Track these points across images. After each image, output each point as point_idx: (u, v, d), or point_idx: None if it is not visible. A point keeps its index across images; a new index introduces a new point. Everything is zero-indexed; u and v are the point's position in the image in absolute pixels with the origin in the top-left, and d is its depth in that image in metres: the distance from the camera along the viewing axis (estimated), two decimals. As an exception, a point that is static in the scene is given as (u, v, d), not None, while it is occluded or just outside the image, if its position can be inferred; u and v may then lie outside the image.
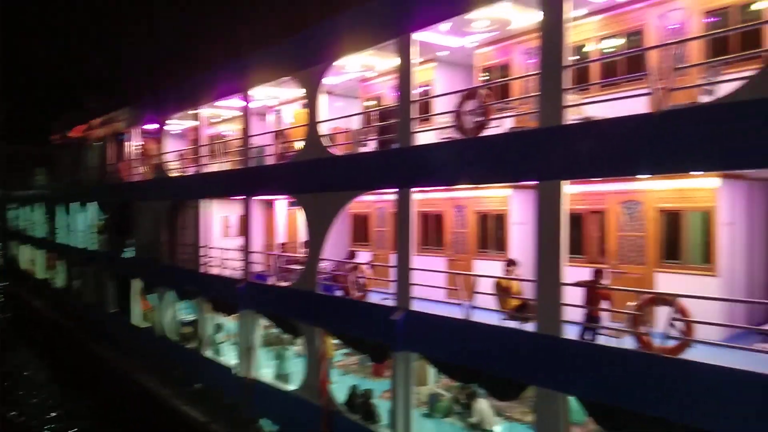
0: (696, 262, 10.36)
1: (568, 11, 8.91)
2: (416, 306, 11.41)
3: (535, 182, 9.18)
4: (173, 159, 21.95)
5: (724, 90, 7.58)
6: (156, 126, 22.73)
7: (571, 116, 9.02)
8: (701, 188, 10.24)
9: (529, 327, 9.39)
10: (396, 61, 11.91)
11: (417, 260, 11.81)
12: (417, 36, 11.56)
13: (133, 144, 24.60)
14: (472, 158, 10.43)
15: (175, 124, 23.99)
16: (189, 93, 20.43)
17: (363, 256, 16.52)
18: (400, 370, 11.52)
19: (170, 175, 21.51)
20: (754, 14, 10.03)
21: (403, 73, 11.63)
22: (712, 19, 10.50)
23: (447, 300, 11.82)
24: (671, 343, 7.97)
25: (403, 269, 11.51)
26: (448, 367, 11.18)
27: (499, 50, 13.83)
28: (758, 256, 10.72)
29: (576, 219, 11.44)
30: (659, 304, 8.31)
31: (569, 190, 8.94)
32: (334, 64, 13.86)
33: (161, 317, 21.28)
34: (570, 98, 9.01)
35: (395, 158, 11.90)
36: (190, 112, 20.75)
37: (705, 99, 8.51)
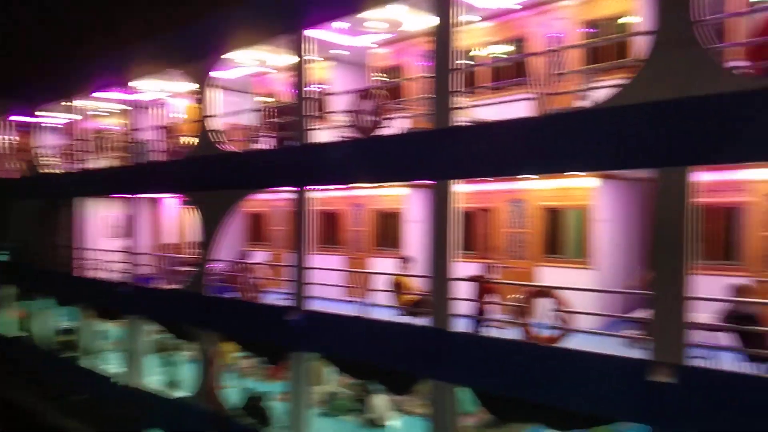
0: (575, 257, 11.07)
1: (458, 16, 9.19)
2: (314, 305, 11.32)
3: (428, 181, 9.40)
4: (50, 154, 20.27)
5: (601, 95, 8.13)
6: (28, 119, 20.94)
7: (462, 118, 9.31)
8: (581, 187, 10.95)
9: (424, 321, 9.62)
10: (290, 58, 11.76)
11: (316, 259, 11.71)
12: (312, 33, 11.48)
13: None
14: (367, 157, 10.49)
15: (54, 117, 22.19)
16: (63, 84, 18.96)
17: (260, 256, 16.15)
18: (298, 371, 11.37)
19: (47, 171, 19.87)
20: (622, 27, 10.84)
21: (297, 70, 11.52)
22: (590, 30, 11.24)
23: (345, 298, 11.83)
24: (552, 333, 8.47)
25: (300, 269, 11.37)
26: (346, 364, 11.20)
27: (395, 51, 14.02)
28: (632, 250, 11.64)
29: (468, 217, 11.84)
30: (541, 296, 8.80)
31: (462, 189, 9.24)
32: (224, 57, 13.45)
33: (37, 325, 19.62)
34: (460, 101, 9.30)
35: (291, 156, 11.73)
36: (66, 104, 19.26)
37: (583, 104, 9.09)
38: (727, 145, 6.71)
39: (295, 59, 11.55)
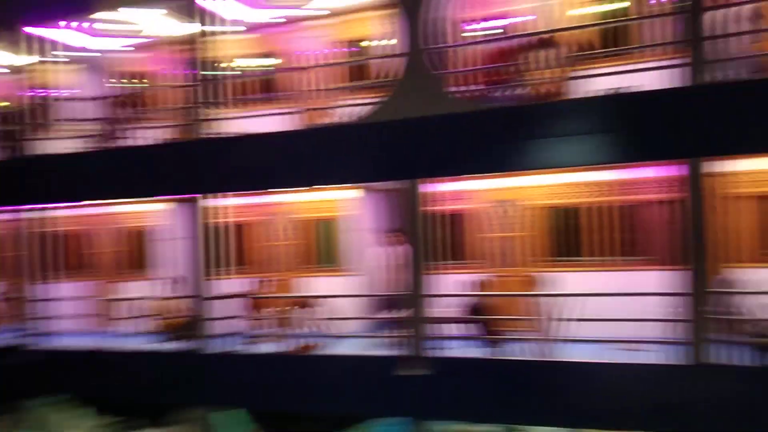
0: (338, 265, 11.41)
1: (211, 26, 8.96)
2: (56, 341, 9.96)
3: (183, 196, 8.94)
4: None
5: (356, 112, 8.56)
6: None
7: (218, 130, 9.05)
8: (342, 199, 11.30)
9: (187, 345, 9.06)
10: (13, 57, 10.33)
11: (58, 288, 10.38)
12: (39, 32, 10.19)
13: None
14: (111, 170, 9.60)
15: None
16: None
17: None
18: (33, 420, 9.87)
19: None
20: (374, 49, 11.49)
21: (21, 71, 10.18)
22: (348, 49, 11.71)
23: (95, 329, 10.66)
24: (312, 341, 8.62)
25: (31, 301, 9.95)
26: (100, 403, 10.05)
27: (148, 57, 13.02)
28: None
29: (236, 231, 11.46)
30: (303, 306, 8.92)
31: (225, 203, 8.95)
32: None
33: None
34: (215, 112, 9.03)
35: (12, 170, 10.21)
36: None
37: (340, 120, 9.45)
38: (447, 161, 7.60)
39: (19, 59, 10.12)
